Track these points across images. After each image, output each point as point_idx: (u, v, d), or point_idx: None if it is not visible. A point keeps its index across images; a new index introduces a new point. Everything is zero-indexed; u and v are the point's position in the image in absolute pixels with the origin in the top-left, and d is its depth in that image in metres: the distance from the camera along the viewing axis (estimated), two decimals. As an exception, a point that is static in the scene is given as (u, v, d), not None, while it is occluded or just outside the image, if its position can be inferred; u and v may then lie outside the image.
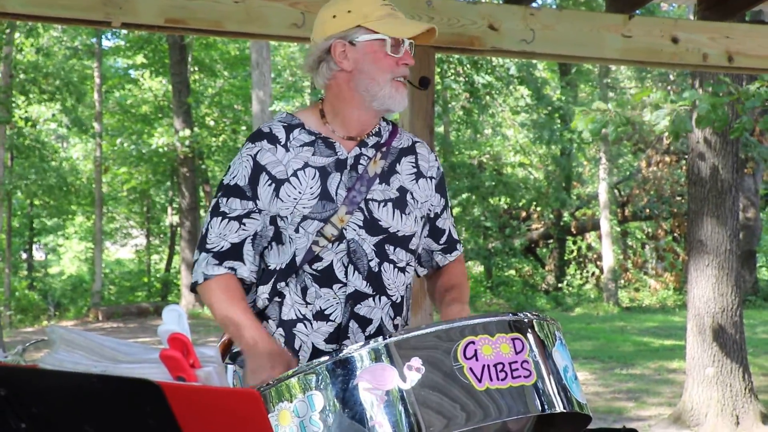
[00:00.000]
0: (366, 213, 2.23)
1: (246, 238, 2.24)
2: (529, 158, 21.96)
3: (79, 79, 20.62)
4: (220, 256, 2.24)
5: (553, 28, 4.17)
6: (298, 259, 2.21)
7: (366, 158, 2.27)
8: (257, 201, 2.23)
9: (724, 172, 7.05)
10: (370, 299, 2.24)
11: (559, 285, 20.32)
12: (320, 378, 1.81)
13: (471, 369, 1.79)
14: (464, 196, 20.17)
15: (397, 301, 2.29)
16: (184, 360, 1.56)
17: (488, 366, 1.80)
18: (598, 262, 20.08)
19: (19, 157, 20.34)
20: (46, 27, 19.20)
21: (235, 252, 2.24)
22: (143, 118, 21.99)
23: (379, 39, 2.19)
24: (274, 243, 2.25)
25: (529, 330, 1.90)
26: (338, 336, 2.22)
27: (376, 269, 2.24)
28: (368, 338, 2.22)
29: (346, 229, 2.21)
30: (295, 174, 2.22)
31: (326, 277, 2.21)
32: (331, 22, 2.23)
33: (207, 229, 2.27)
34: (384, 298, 2.26)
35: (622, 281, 19.81)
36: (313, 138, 2.27)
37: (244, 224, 2.24)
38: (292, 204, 2.20)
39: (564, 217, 21.20)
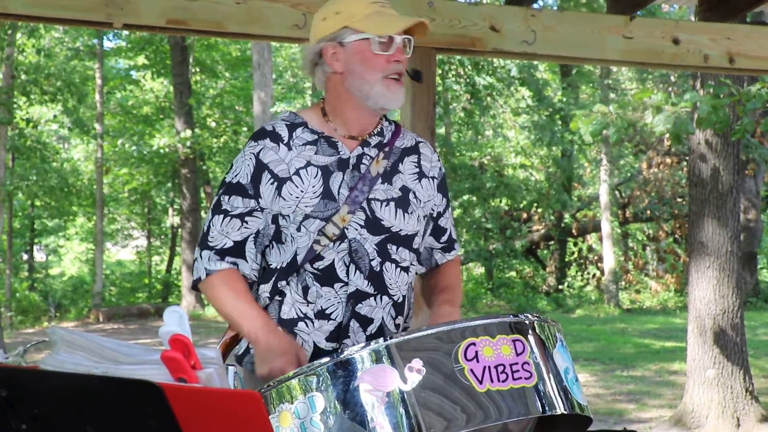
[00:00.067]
0: (368, 212, 2.23)
1: (248, 237, 2.24)
2: (530, 160, 21.96)
3: (80, 80, 20.62)
4: (222, 253, 2.24)
5: (554, 29, 4.17)
6: (300, 258, 2.21)
7: (368, 158, 2.27)
8: (259, 199, 2.23)
9: (725, 173, 7.05)
10: (371, 299, 2.24)
11: (560, 287, 20.31)
12: (321, 379, 1.81)
13: (472, 370, 1.79)
14: (465, 197, 20.17)
15: (399, 301, 2.29)
16: (185, 361, 1.56)
17: (489, 367, 1.80)
18: (599, 264, 20.08)
19: (21, 158, 20.34)
20: (48, 28, 19.21)
21: (237, 250, 2.24)
22: (144, 119, 21.99)
23: (365, 38, 2.19)
24: (274, 242, 2.25)
25: (530, 331, 1.90)
26: (339, 335, 2.22)
27: (378, 269, 2.24)
28: (369, 338, 2.22)
29: (347, 229, 2.21)
30: (297, 173, 2.22)
31: (327, 276, 2.21)
32: (322, 25, 2.25)
33: (209, 227, 2.27)
34: (385, 298, 2.26)
35: (623, 283, 19.80)
36: (316, 137, 2.27)
37: (246, 222, 2.24)
38: (294, 203, 2.20)
39: (565, 219, 21.19)
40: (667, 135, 6.01)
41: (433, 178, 2.37)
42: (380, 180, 2.26)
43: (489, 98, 20.01)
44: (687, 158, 13.16)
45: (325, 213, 2.20)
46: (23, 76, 18.58)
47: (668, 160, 19.15)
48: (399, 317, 2.30)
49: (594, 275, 20.53)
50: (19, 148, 19.58)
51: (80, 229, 26.03)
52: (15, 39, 17.57)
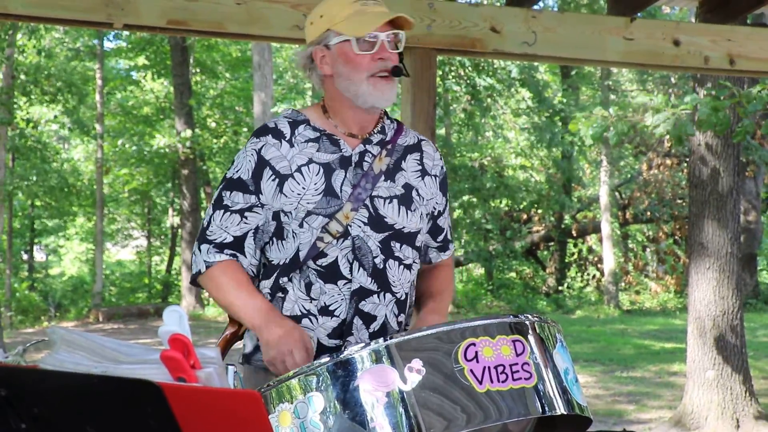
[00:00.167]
0: (371, 210, 2.24)
1: (248, 232, 2.25)
2: (531, 161, 21.96)
3: (80, 81, 20.63)
4: (221, 246, 2.25)
5: (554, 30, 4.17)
6: (302, 255, 2.22)
7: (371, 155, 2.28)
8: (260, 195, 2.24)
9: (725, 175, 7.05)
10: (375, 296, 2.24)
11: (560, 287, 20.31)
12: (321, 379, 1.81)
13: (471, 371, 1.79)
14: (465, 198, 20.17)
15: (402, 299, 2.30)
16: (185, 361, 1.56)
17: (489, 368, 1.80)
18: (599, 265, 20.08)
19: (21, 158, 20.35)
20: (48, 28, 19.20)
21: (236, 245, 2.25)
22: (145, 120, 21.99)
23: (346, 40, 2.20)
24: (275, 238, 2.26)
25: (530, 332, 1.90)
26: (342, 332, 2.23)
27: (381, 266, 2.24)
28: (372, 335, 2.23)
29: (351, 226, 2.21)
30: (299, 170, 2.23)
31: (331, 273, 2.22)
32: (310, 29, 2.27)
33: (209, 222, 2.28)
34: (389, 295, 2.26)
35: (623, 284, 19.80)
36: (318, 134, 2.28)
37: (246, 218, 2.25)
38: (296, 199, 2.21)
39: (565, 220, 21.20)
40: (668, 136, 6.02)
41: (435, 176, 2.38)
42: (383, 177, 2.27)
43: (489, 99, 20.01)
44: (687, 160, 13.16)
45: (328, 210, 2.21)
46: (23, 77, 18.58)
47: (668, 162, 19.16)
48: (401, 314, 2.31)
49: (594, 276, 20.53)
50: (19, 148, 19.58)
51: (80, 229, 26.04)
52: (15, 39, 17.57)
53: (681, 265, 18.87)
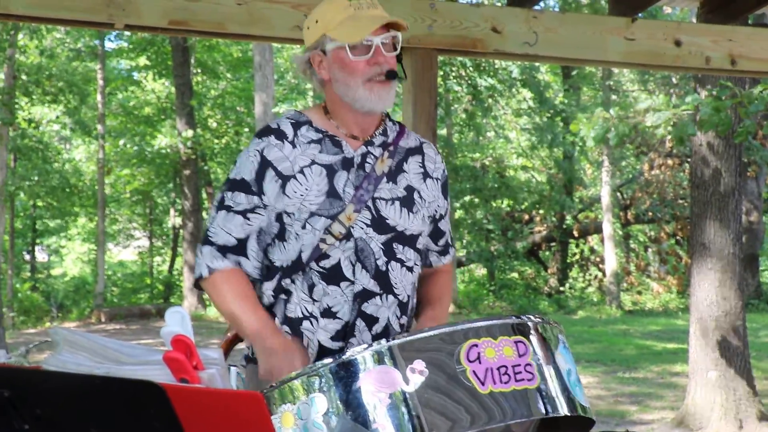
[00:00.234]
0: (373, 211, 2.24)
1: (250, 234, 2.25)
2: (532, 161, 21.96)
3: (82, 81, 20.65)
4: (224, 250, 2.25)
5: (556, 30, 4.17)
6: (305, 256, 2.21)
7: (373, 157, 2.28)
8: (263, 196, 2.23)
9: (727, 175, 7.04)
10: (378, 298, 2.24)
11: (562, 288, 20.31)
12: (323, 380, 1.80)
13: (474, 372, 1.79)
14: (467, 198, 20.18)
15: (404, 300, 2.29)
16: (188, 362, 1.56)
17: (491, 369, 1.80)
18: (601, 265, 20.07)
19: (22, 159, 20.37)
20: (50, 29, 19.23)
21: (239, 247, 2.25)
22: (146, 120, 22.01)
23: (341, 46, 2.19)
24: (277, 239, 2.25)
25: (532, 333, 1.90)
26: (345, 334, 2.22)
27: (384, 268, 2.24)
28: (374, 337, 2.23)
29: (353, 228, 2.21)
30: (301, 171, 2.22)
31: (334, 275, 2.22)
32: (307, 33, 2.27)
33: (211, 223, 2.28)
34: (391, 297, 2.26)
35: (625, 284, 19.80)
36: (321, 135, 2.27)
37: (249, 219, 2.24)
38: (299, 200, 2.21)
39: (567, 220, 21.20)
40: (669, 137, 6.02)
41: (437, 179, 2.38)
42: (385, 179, 2.27)
43: (490, 100, 20.02)
44: (689, 160, 13.15)
45: (331, 211, 2.21)
46: (25, 77, 18.60)
47: (670, 162, 19.15)
48: (404, 316, 2.30)
49: (596, 277, 20.52)
50: (20, 148, 19.61)
51: (82, 229, 26.07)
52: (17, 40, 17.59)
53: (683, 265, 18.86)
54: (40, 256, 26.81)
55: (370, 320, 2.24)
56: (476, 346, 1.81)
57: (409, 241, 2.29)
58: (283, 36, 3.91)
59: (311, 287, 2.22)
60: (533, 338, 1.89)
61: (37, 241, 25.06)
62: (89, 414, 1.35)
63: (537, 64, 18.44)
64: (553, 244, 21.71)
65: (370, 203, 2.23)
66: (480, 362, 1.80)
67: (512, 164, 22.10)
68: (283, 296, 2.25)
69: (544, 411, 1.84)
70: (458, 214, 20.40)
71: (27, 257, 24.65)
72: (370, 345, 1.83)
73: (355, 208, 2.21)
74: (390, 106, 2.27)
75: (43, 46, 19.65)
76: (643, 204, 19.92)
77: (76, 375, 1.43)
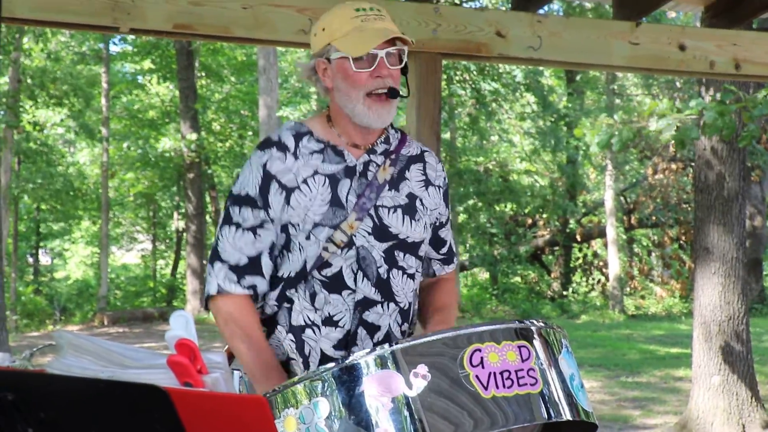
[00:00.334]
0: (376, 219, 2.23)
1: (262, 251, 2.23)
2: (535, 165, 21.96)
3: (86, 84, 20.70)
4: (238, 270, 2.22)
5: (560, 35, 4.17)
6: (309, 266, 2.21)
7: (375, 165, 2.27)
8: (269, 210, 2.22)
9: (730, 179, 7.04)
10: (379, 306, 2.24)
11: (565, 292, 20.29)
12: (326, 384, 1.81)
13: (477, 376, 1.79)
14: (470, 202, 20.17)
15: (405, 308, 2.29)
16: (192, 366, 1.56)
17: (494, 373, 1.80)
18: (604, 270, 20.05)
19: (26, 162, 20.42)
20: (55, 32, 19.27)
21: (253, 266, 2.22)
22: (150, 123, 22.05)
23: (344, 56, 2.19)
24: (284, 250, 2.25)
25: (536, 337, 1.90)
26: (347, 343, 2.22)
27: (385, 276, 2.24)
28: (376, 345, 2.22)
29: (355, 236, 2.21)
30: (305, 182, 2.22)
31: (335, 284, 2.21)
32: (314, 40, 2.26)
33: (220, 239, 2.25)
34: (392, 305, 2.26)
35: (628, 289, 19.77)
36: (322, 146, 2.27)
37: (259, 235, 2.22)
38: (303, 211, 2.20)
39: (570, 225, 21.18)
40: (673, 141, 6.01)
41: (438, 186, 2.37)
42: (387, 187, 2.26)
43: (494, 104, 20.02)
44: (692, 164, 13.15)
45: (334, 220, 2.20)
46: (29, 80, 18.65)
47: (673, 166, 19.14)
48: (405, 324, 2.30)
49: (599, 281, 20.50)
50: (25, 151, 19.66)
51: (85, 232, 26.10)
52: (22, 43, 17.63)
53: (686, 269, 18.83)
54: (44, 259, 26.86)
55: (372, 328, 2.23)
56: (479, 350, 1.81)
57: (411, 248, 2.28)
58: (288, 40, 3.92)
59: (313, 296, 2.22)
60: (536, 343, 1.89)
61: (41, 244, 25.09)
62: (93, 417, 1.36)
63: (541, 68, 18.44)
64: (556, 248, 21.69)
65: (372, 211, 2.23)
66: (483, 367, 1.80)
67: (516, 168, 22.10)
68: (286, 305, 2.25)
69: (546, 416, 1.84)
70: (461, 217, 20.40)
71: (30, 260, 24.68)
72: (373, 349, 1.83)
73: (358, 217, 2.21)
74: (387, 124, 2.27)
75: (48, 49, 19.68)
76: (646, 208, 19.90)
77: (79, 378, 1.43)
